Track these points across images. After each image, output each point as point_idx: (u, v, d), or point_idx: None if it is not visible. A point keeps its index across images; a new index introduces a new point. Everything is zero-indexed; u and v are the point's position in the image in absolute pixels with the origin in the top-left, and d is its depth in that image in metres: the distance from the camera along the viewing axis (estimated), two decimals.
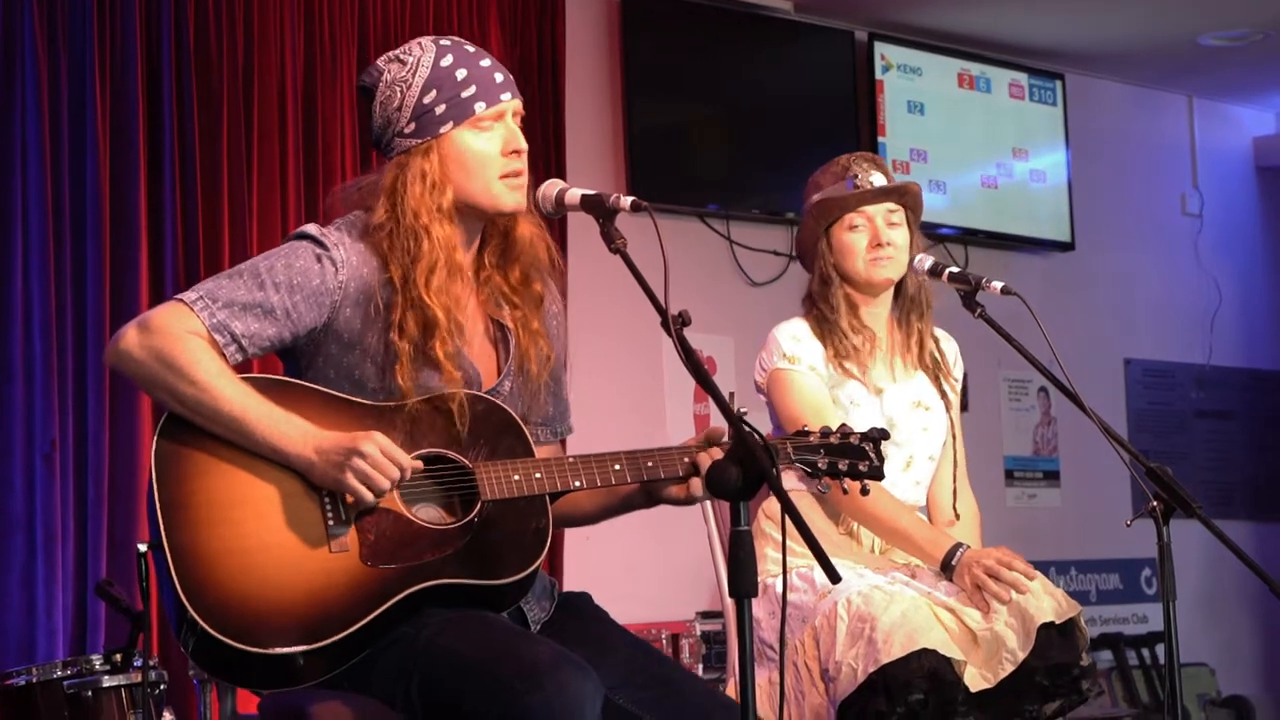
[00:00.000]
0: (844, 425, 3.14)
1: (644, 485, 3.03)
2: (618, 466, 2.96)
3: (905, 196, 4.04)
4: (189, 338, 2.84)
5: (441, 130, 2.99)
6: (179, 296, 2.91)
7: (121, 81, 5.60)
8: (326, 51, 6.09)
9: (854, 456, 3.09)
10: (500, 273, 3.09)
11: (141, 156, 5.61)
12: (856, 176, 4.01)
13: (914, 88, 7.93)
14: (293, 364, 3.00)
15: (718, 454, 2.93)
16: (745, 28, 7.44)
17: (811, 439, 3.10)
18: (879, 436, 3.14)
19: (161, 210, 5.65)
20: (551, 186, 3.01)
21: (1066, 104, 8.47)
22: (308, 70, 6.05)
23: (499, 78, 3.04)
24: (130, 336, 2.86)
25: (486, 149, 3.00)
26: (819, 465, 3.07)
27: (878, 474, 3.11)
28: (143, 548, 2.94)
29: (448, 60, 3.01)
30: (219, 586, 2.75)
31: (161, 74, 5.69)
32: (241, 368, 2.92)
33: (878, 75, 7.79)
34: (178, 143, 5.70)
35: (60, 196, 5.46)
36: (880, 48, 7.82)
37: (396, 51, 3.05)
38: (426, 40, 3.06)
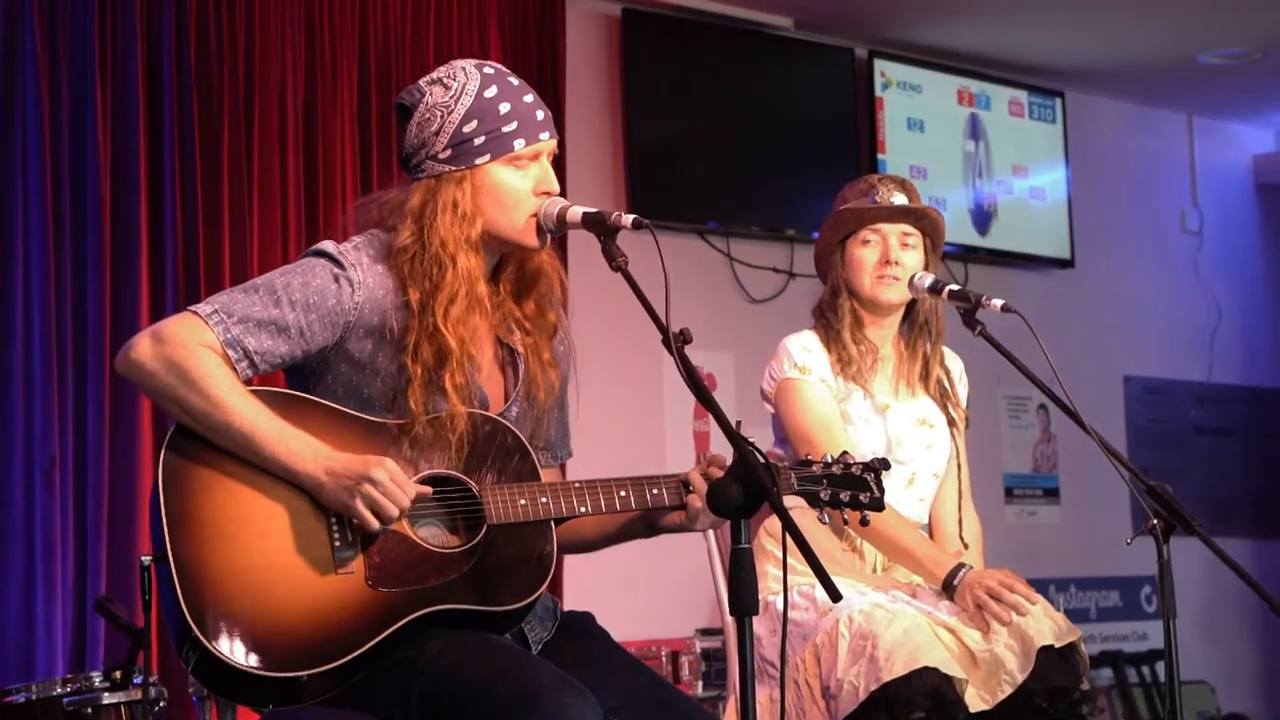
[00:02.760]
0: (845, 454, 3.13)
1: (645, 514, 3.03)
2: (623, 493, 2.96)
3: (922, 220, 4.03)
4: (202, 351, 2.83)
5: (478, 162, 2.97)
6: (193, 308, 2.89)
7: (122, 95, 5.61)
8: (327, 63, 6.09)
9: (855, 487, 3.10)
10: (514, 299, 3.09)
11: (142, 170, 5.61)
12: (879, 194, 4.00)
13: (914, 105, 7.94)
14: (300, 380, 2.99)
15: (716, 474, 2.93)
16: (745, 44, 7.45)
17: (815, 469, 3.09)
18: (880, 467, 3.14)
19: (162, 224, 5.65)
20: (553, 204, 3.01)
21: (1066, 121, 8.48)
22: (308, 81, 6.06)
23: (540, 115, 3.02)
24: (143, 346, 2.85)
25: (520, 186, 2.99)
26: (821, 496, 3.07)
27: (878, 505, 3.11)
28: (146, 559, 2.92)
29: (492, 91, 2.98)
30: (224, 605, 2.74)
31: (162, 87, 5.70)
32: (251, 382, 2.91)
33: (878, 92, 7.80)
34: (178, 156, 5.71)
35: (60, 211, 5.46)
36: (880, 65, 7.83)
37: (440, 74, 3.02)
38: (470, 66, 3.02)
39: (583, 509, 2.94)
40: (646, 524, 3.05)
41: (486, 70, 3.02)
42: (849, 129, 7.74)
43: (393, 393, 2.93)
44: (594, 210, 2.96)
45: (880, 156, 7.71)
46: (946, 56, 8.10)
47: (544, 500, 2.91)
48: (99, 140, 5.53)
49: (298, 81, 6.03)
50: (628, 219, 2.90)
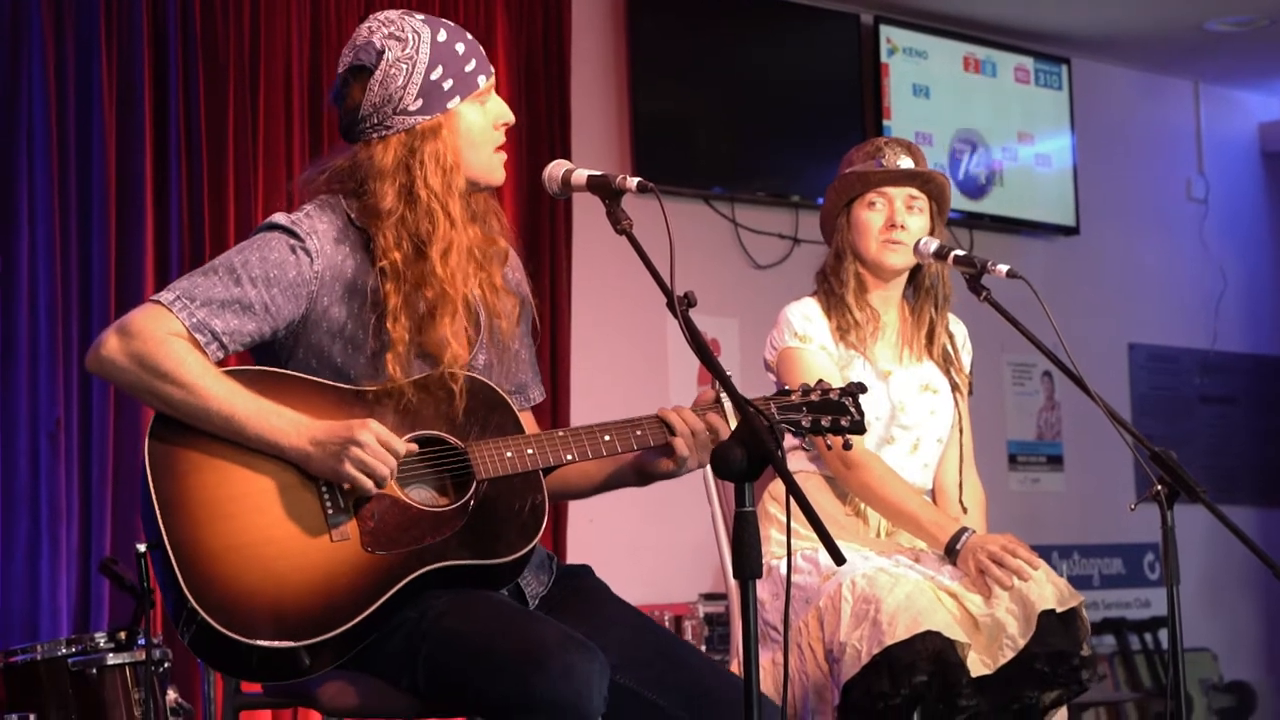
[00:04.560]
0: (822, 381, 3.14)
1: (635, 462, 3.04)
2: (608, 437, 2.97)
3: (929, 184, 4.02)
4: (170, 339, 2.82)
5: (449, 105, 2.97)
6: (155, 298, 2.87)
7: (128, 63, 5.60)
8: (332, 31, 6.07)
9: (835, 412, 3.09)
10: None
11: (148, 137, 5.61)
12: (885, 157, 4.00)
13: (920, 71, 7.92)
14: (272, 358, 2.97)
15: (686, 413, 2.96)
16: (751, 10, 7.43)
17: (794, 398, 3.09)
18: (857, 390, 3.14)
19: (167, 190, 5.65)
20: (558, 167, 3.01)
21: (1072, 88, 8.46)
22: (313, 50, 6.05)
23: (482, 50, 3.06)
24: (111, 343, 2.83)
25: (484, 122, 3.02)
26: (803, 424, 3.07)
27: (859, 428, 3.11)
28: (142, 548, 2.91)
29: (443, 36, 2.99)
30: (223, 583, 2.74)
31: (168, 55, 5.68)
32: (223, 363, 2.89)
33: (883, 58, 7.78)
34: (183, 123, 5.70)
35: (66, 177, 5.46)
36: (886, 31, 7.81)
37: (387, 29, 2.99)
38: (406, 16, 3.01)
39: (569, 456, 2.94)
40: (638, 471, 3.06)
41: (421, 17, 3.02)
42: (854, 95, 7.72)
43: (364, 360, 2.92)
44: (599, 173, 2.96)
45: (886, 123, 7.70)
46: (952, 23, 8.07)
47: (530, 451, 2.92)
48: (104, 104, 5.52)
49: (303, 46, 6.01)
50: (632, 182, 2.91)
